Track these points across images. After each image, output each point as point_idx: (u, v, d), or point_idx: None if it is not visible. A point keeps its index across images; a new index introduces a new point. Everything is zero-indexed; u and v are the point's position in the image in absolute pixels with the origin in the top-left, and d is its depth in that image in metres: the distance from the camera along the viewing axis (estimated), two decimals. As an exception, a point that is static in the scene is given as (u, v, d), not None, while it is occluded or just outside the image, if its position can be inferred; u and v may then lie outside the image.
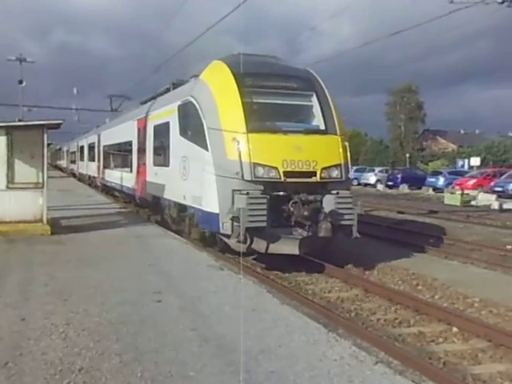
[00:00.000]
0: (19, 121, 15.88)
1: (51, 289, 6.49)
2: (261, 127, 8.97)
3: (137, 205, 17.51)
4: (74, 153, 41.70)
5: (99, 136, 25.43)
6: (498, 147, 48.69)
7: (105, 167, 23.61)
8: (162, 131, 12.66)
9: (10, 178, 10.88)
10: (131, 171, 16.84)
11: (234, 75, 9.38)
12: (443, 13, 13.54)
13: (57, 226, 11.62)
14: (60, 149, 62.48)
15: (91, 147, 28.67)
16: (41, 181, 11.06)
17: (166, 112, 12.35)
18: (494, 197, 24.70)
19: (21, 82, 31.33)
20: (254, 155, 8.63)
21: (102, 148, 24.47)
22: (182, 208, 11.08)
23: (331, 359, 4.39)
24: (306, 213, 8.56)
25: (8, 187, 10.83)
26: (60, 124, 11.58)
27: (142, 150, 15.14)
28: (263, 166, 8.62)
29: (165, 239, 10.81)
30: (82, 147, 34.42)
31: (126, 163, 18.04)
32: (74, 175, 40.40)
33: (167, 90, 13.88)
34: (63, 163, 55.80)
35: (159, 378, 3.97)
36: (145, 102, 16.37)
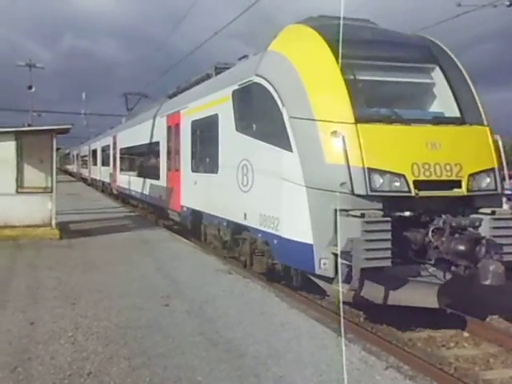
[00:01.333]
0: (28, 126, 16.02)
1: (59, 293, 6.52)
2: (374, 115, 6.35)
3: (159, 215, 15.50)
4: (85, 157, 40.15)
5: (115, 138, 22.94)
6: (505, 149, 48.34)
7: (122, 173, 21.06)
8: (205, 127, 10.20)
9: (20, 183, 10.98)
10: (158, 178, 14.14)
11: (327, 43, 6.64)
12: (450, 16, 13.54)
13: (65, 230, 11.68)
14: (69, 153, 62.76)
15: (105, 151, 26.58)
16: (50, 185, 11.14)
17: (211, 102, 9.70)
18: (503, 200, 24.44)
19: (30, 87, 31.59)
20: (368, 157, 5.92)
21: (118, 151, 21.96)
22: (239, 229, 8.56)
23: (340, 364, 4.35)
24: (461, 246, 5.61)
25: (17, 192, 10.93)
26: (69, 129, 11.69)
27: (174, 153, 12.57)
28: (383, 172, 5.93)
29: (172, 243, 10.83)
30: (94, 151, 32.53)
31: (151, 168, 15.36)
32: (84, 180, 39.56)
33: (207, 77, 11.26)
34: (72, 168, 55.83)
35: (168, 383, 3.96)
36: (174, 95, 13.85)
